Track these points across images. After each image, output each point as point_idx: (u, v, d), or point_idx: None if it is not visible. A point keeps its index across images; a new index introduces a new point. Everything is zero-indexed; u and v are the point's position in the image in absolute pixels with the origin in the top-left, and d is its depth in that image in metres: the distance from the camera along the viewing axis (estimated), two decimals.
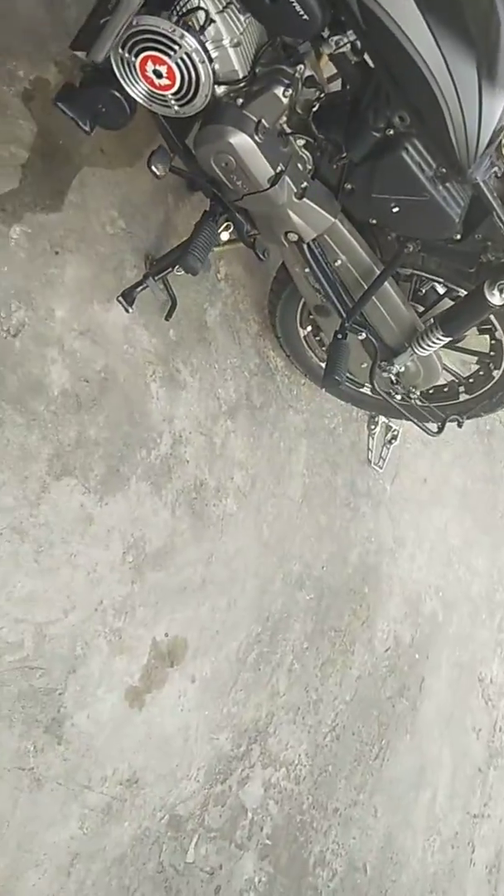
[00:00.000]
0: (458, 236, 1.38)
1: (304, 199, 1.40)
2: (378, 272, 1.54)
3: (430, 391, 2.01)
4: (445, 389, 2.01)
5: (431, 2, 0.98)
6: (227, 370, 1.99)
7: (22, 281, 1.49)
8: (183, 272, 1.52)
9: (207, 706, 1.85)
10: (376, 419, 2.53)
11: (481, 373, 1.87)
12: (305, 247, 1.52)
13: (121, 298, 1.61)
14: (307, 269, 1.58)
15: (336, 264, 1.57)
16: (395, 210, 1.33)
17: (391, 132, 1.22)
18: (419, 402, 1.98)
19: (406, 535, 2.68)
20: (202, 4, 1.11)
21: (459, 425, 1.89)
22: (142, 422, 1.73)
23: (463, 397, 1.96)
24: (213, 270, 1.95)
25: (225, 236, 1.56)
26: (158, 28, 1.08)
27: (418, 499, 2.76)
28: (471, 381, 1.92)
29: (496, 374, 1.80)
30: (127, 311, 1.63)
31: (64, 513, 1.57)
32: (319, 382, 2.12)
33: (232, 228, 1.53)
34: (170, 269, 1.59)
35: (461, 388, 1.95)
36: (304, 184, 1.40)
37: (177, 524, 1.81)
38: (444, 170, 1.25)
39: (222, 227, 1.52)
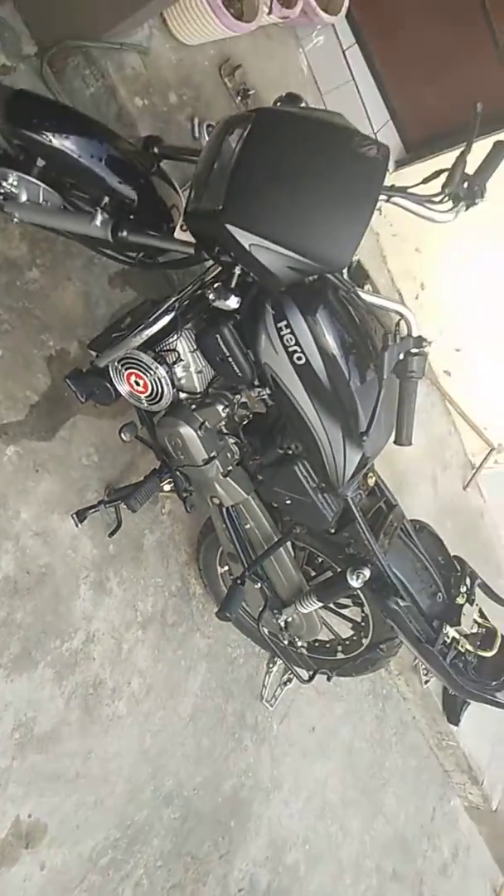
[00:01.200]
0: (333, 530, 1.85)
1: (228, 478, 1.89)
2: (275, 540, 1.99)
3: (316, 644, 2.37)
4: (327, 645, 2.37)
5: (316, 391, 1.52)
6: (150, 587, 2.36)
7: (3, 487, 1.92)
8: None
9: None
10: (275, 659, 2.82)
11: (355, 638, 2.25)
12: (224, 509, 1.99)
13: (74, 515, 2.03)
14: (224, 525, 2.03)
15: (246, 527, 2.03)
16: (288, 502, 1.81)
17: (290, 451, 1.74)
18: (304, 651, 2.33)
19: (284, 778, 2.84)
20: (177, 348, 1.67)
21: (328, 679, 2.22)
22: (64, 616, 2.06)
23: (340, 656, 2.31)
24: (159, 506, 2.41)
25: (167, 488, 2.03)
26: (142, 359, 1.63)
27: (303, 745, 2.95)
28: (347, 643, 2.29)
29: (364, 641, 2.18)
30: (76, 525, 2.05)
31: None
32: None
33: (173, 484, 2.01)
34: (119, 501, 2.04)
35: (339, 648, 2.32)
36: (230, 467, 1.90)
37: (68, 714, 2.05)
38: (323, 485, 1.74)
39: (166, 482, 1.99)
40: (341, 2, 2.88)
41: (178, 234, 1.42)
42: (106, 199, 1.50)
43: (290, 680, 2.85)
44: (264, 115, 1.30)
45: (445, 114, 3.04)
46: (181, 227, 1.41)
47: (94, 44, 2.04)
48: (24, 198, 1.59)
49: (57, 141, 1.43)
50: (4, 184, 1.58)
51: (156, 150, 1.61)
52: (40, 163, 1.52)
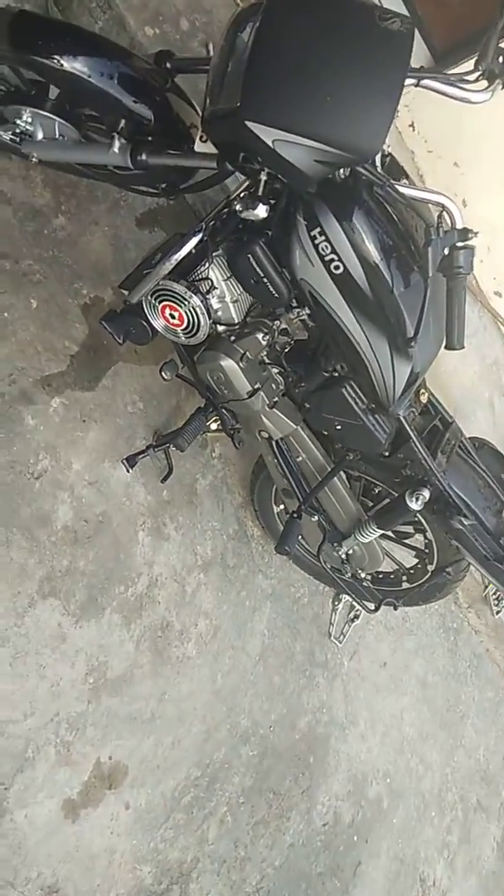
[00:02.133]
0: (387, 453, 1.78)
1: (274, 410, 1.85)
2: (329, 470, 1.94)
3: (380, 576, 2.33)
4: (392, 576, 2.32)
5: (358, 302, 1.45)
6: (207, 531, 2.35)
7: (52, 439, 1.92)
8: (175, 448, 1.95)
9: (136, 835, 1.99)
10: (341, 596, 2.80)
11: (419, 566, 2.20)
12: (274, 443, 1.95)
13: (124, 461, 2.02)
14: (275, 460, 1.99)
15: (298, 459, 1.99)
16: (339, 428, 1.75)
17: (336, 374, 1.68)
18: (369, 584, 2.30)
19: (359, 713, 2.84)
20: (210, 276, 1.62)
21: (395, 608, 2.18)
22: (125, 562, 2.07)
23: (405, 585, 2.26)
24: (209, 449, 2.38)
25: (214, 427, 2.00)
26: (174, 289, 1.58)
27: (375, 681, 2.94)
28: (412, 572, 2.24)
29: (430, 568, 2.12)
30: (127, 471, 2.04)
31: (43, 628, 1.87)
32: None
33: (220, 422, 1.97)
34: (168, 444, 2.02)
35: (404, 577, 2.27)
36: (276, 398, 1.85)
37: (139, 657, 2.08)
38: (373, 405, 1.68)
39: (212, 420, 1.96)
40: None
41: (198, 146, 1.36)
42: (122, 123, 1.44)
43: (356, 616, 2.83)
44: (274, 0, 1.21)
45: (473, 16, 2.82)
46: (201, 137, 1.34)
47: None
48: (40, 135, 1.55)
49: (67, 63, 1.37)
50: (19, 122, 1.55)
51: (168, 64, 1.53)
52: (53, 93, 1.47)
